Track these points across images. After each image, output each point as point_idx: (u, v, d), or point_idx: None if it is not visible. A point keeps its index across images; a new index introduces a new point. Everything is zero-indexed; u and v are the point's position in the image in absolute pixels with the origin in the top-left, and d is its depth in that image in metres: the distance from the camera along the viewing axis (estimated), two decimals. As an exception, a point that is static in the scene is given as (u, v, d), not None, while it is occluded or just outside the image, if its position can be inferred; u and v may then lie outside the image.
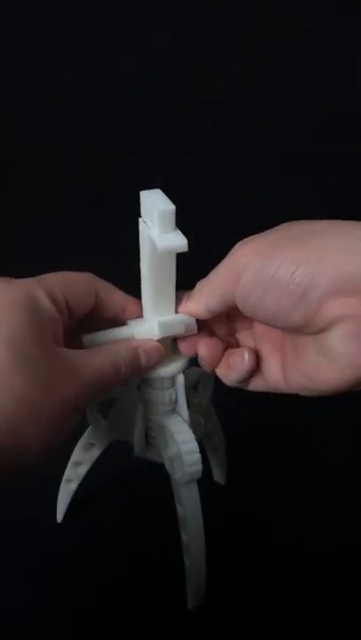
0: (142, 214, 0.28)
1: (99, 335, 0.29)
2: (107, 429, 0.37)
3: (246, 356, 0.29)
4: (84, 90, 0.69)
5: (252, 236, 0.26)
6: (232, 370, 0.29)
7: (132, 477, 0.46)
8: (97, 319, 0.30)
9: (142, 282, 0.30)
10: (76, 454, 0.40)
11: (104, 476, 0.44)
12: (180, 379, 0.32)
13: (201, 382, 0.38)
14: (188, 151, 0.70)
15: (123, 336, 0.30)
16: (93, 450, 0.40)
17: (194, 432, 0.32)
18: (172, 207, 0.25)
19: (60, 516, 0.44)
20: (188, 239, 0.26)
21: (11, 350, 0.23)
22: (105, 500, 0.46)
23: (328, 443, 0.50)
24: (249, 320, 0.30)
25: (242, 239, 0.27)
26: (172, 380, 0.32)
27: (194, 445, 0.31)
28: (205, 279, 0.28)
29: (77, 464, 0.41)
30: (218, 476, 0.47)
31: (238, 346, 0.31)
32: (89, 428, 0.38)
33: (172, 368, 0.31)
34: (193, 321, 0.30)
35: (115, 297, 0.30)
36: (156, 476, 0.35)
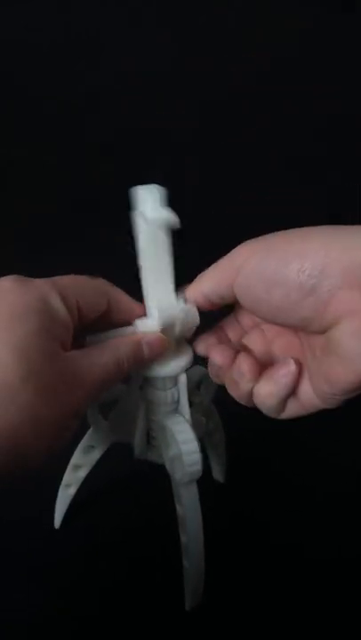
0: (137, 206, 0.29)
1: (102, 336, 0.29)
2: (108, 431, 0.37)
3: (292, 364, 0.27)
4: (84, 90, 0.69)
5: (252, 239, 0.27)
6: (276, 384, 0.27)
7: (132, 480, 0.46)
8: (104, 323, 0.30)
9: (142, 275, 0.30)
10: (76, 457, 0.40)
11: (104, 478, 0.44)
12: (183, 378, 0.32)
13: (203, 381, 0.38)
14: (188, 151, 0.70)
15: (126, 334, 0.30)
16: (93, 452, 0.39)
17: (195, 431, 0.32)
18: (162, 189, 0.27)
19: (57, 522, 0.44)
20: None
21: (21, 363, 0.23)
22: (104, 502, 0.46)
23: (329, 442, 0.50)
24: (259, 327, 0.30)
25: (242, 239, 0.27)
26: (175, 379, 0.32)
27: (194, 446, 0.31)
28: (205, 270, 0.29)
29: (77, 467, 0.41)
30: (217, 473, 0.47)
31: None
32: (89, 431, 0.38)
33: (175, 368, 0.31)
34: (194, 309, 0.30)
35: (124, 302, 0.30)
36: (156, 479, 0.35)
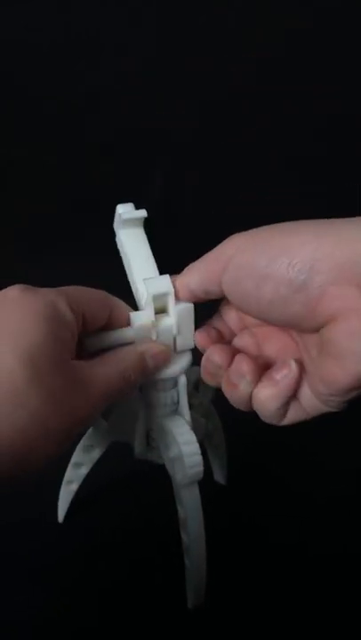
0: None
1: (101, 337, 0.29)
2: (107, 431, 0.37)
3: (293, 364, 0.26)
4: (84, 90, 0.69)
5: (242, 232, 0.27)
6: (277, 386, 0.26)
7: (133, 479, 0.46)
8: (107, 332, 0.30)
9: (128, 274, 0.32)
10: (77, 455, 0.40)
11: (105, 477, 0.44)
12: (183, 379, 0.32)
13: (202, 382, 0.38)
14: (188, 151, 0.70)
15: (124, 336, 0.30)
16: (94, 451, 0.40)
17: (195, 432, 0.32)
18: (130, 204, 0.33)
19: (60, 517, 0.44)
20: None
21: (30, 369, 0.23)
22: (106, 501, 0.46)
23: (330, 444, 0.50)
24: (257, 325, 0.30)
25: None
26: (175, 381, 0.32)
27: (195, 447, 0.31)
28: (192, 264, 0.29)
29: (78, 465, 0.41)
30: (218, 475, 0.47)
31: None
32: (89, 430, 0.38)
33: (174, 369, 0.32)
34: (190, 305, 0.30)
35: (123, 313, 0.30)
36: (157, 478, 0.35)
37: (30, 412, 0.23)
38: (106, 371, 0.27)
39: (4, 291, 0.26)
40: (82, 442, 0.39)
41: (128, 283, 0.33)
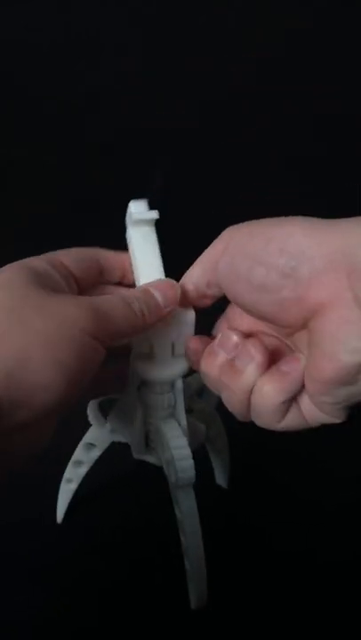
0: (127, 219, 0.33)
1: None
2: (108, 430, 0.37)
3: (302, 357, 0.25)
4: (84, 90, 0.69)
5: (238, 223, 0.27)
6: (284, 379, 0.25)
7: (133, 478, 0.46)
8: (106, 286, 0.31)
9: (134, 272, 0.32)
10: (77, 454, 0.40)
11: (105, 476, 0.44)
12: (179, 384, 0.32)
13: (206, 389, 0.38)
14: (188, 151, 0.70)
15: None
16: (94, 450, 0.40)
17: (194, 438, 0.33)
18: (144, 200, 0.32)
19: (60, 517, 0.44)
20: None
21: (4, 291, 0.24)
22: (106, 500, 0.46)
23: (333, 449, 0.50)
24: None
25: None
26: (172, 384, 0.32)
27: (186, 452, 0.31)
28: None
29: (78, 463, 0.41)
30: (220, 479, 0.47)
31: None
32: (90, 428, 0.38)
33: (171, 373, 0.32)
34: (191, 311, 0.31)
35: (111, 256, 0.32)
36: (158, 477, 0.35)
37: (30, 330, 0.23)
38: (109, 298, 0.27)
39: None
40: (83, 440, 0.39)
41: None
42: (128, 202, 0.33)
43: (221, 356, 0.28)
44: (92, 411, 0.37)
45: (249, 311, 0.27)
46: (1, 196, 0.73)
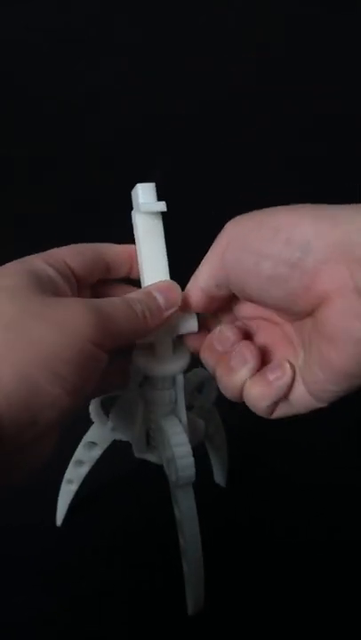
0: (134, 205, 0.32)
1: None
2: (109, 428, 0.37)
3: (287, 367, 0.26)
4: (84, 90, 0.69)
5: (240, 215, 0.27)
6: (269, 387, 0.26)
7: (134, 477, 0.46)
8: (112, 281, 0.31)
9: (139, 266, 0.31)
10: (79, 453, 0.40)
11: (106, 476, 0.44)
12: (180, 380, 0.32)
13: (205, 384, 0.38)
14: (188, 151, 0.70)
15: None
16: (95, 449, 0.40)
17: (194, 435, 0.33)
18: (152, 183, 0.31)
19: (59, 519, 0.44)
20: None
21: (14, 302, 0.24)
22: (106, 501, 0.46)
23: (333, 447, 0.50)
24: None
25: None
26: (173, 380, 0.32)
27: (187, 449, 0.31)
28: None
29: (79, 463, 0.41)
30: (219, 477, 0.47)
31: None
32: (92, 427, 0.38)
33: (173, 368, 0.32)
34: (193, 316, 0.31)
35: (114, 247, 0.31)
36: (159, 477, 0.35)
37: (34, 339, 0.22)
38: (111, 300, 0.26)
39: None
40: (84, 439, 0.39)
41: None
42: (128, 202, 0.33)
43: (218, 350, 0.29)
44: (94, 408, 0.37)
45: (257, 302, 0.28)
46: (1, 196, 0.73)
